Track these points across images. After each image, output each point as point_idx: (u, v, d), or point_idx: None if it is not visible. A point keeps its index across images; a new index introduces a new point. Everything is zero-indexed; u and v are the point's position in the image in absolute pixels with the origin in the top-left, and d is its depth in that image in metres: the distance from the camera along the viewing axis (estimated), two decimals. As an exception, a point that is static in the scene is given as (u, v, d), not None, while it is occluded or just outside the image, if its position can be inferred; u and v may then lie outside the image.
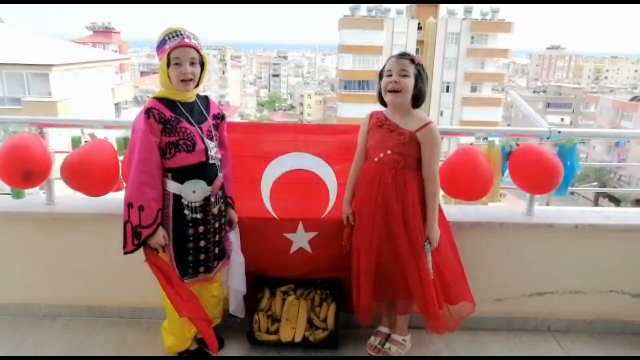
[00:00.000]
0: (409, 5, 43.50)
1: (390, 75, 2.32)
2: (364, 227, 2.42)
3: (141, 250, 2.20)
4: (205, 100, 2.38)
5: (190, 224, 2.26)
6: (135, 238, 2.14)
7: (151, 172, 2.14)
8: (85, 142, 2.70)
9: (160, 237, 2.18)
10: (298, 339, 2.57)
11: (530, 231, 2.77)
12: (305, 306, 2.67)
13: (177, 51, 2.13)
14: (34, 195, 2.95)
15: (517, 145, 2.70)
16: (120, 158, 2.66)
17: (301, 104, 74.21)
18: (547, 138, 2.73)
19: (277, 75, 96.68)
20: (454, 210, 2.85)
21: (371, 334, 2.67)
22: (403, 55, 2.34)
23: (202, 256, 2.33)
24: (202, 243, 2.31)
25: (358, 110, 34.32)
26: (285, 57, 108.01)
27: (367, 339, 2.65)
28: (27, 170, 2.58)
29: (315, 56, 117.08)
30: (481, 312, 2.83)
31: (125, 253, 2.16)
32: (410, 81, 2.30)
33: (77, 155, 2.61)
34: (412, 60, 2.32)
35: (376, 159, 2.38)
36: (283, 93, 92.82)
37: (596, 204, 26.32)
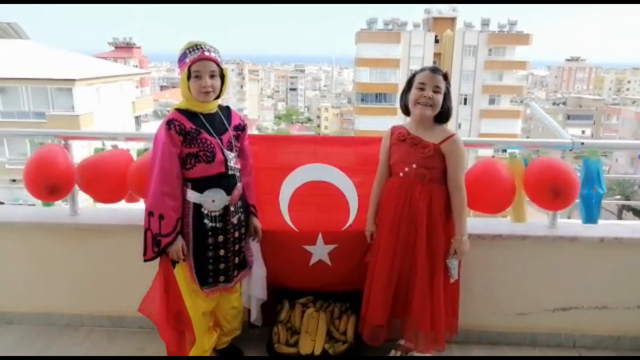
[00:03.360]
0: (425, 18, 43.57)
1: (422, 89, 2.30)
2: (385, 241, 2.40)
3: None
4: (227, 110, 2.41)
5: (210, 233, 2.28)
6: (155, 246, 2.18)
7: (171, 182, 2.17)
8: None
9: (179, 246, 2.20)
10: (317, 351, 2.55)
11: (553, 244, 2.72)
12: (325, 318, 2.65)
13: (197, 64, 2.17)
14: (58, 206, 3.01)
15: (538, 157, 2.66)
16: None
17: (318, 117, 74.59)
18: (570, 150, 2.69)
19: (294, 89, 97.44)
20: (476, 222, 2.81)
21: (391, 347, 2.63)
22: (437, 71, 2.32)
23: (222, 265, 2.34)
24: (222, 252, 2.32)
25: (375, 123, 34.37)
26: (302, 71, 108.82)
27: (387, 352, 2.62)
28: (53, 185, 2.65)
29: (333, 69, 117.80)
30: (504, 327, 2.80)
31: (145, 260, 2.20)
32: (441, 98, 2.31)
33: (93, 161, 2.68)
34: (445, 77, 2.32)
35: (401, 174, 2.37)
36: (300, 106, 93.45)
37: (620, 217, 25.72)
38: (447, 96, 2.33)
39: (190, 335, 2.44)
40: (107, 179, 2.65)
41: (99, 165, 2.66)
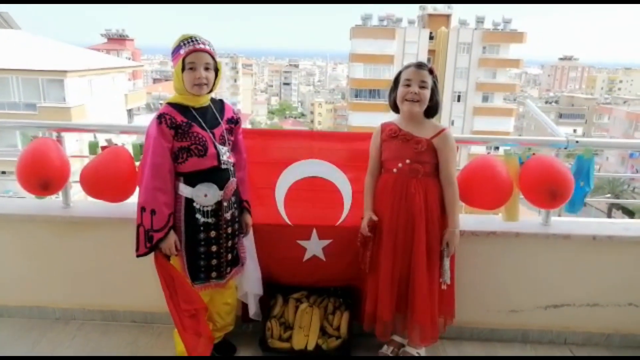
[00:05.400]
0: (420, 15, 43.57)
1: (408, 85, 2.32)
2: (385, 238, 2.39)
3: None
4: (220, 104, 2.39)
5: (202, 228, 2.26)
6: (148, 241, 2.16)
7: (163, 176, 2.16)
8: (102, 147, 2.72)
9: (172, 241, 2.19)
10: (311, 347, 2.55)
11: (546, 242, 2.74)
12: (319, 314, 2.65)
13: (192, 56, 2.15)
14: (50, 199, 2.97)
15: (534, 154, 2.67)
16: (137, 164, 2.67)
17: (312, 112, 74.51)
18: (565, 148, 2.70)
19: (288, 84, 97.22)
20: (470, 219, 2.82)
21: (382, 342, 2.64)
22: (422, 66, 2.34)
23: (214, 261, 2.33)
24: (214, 248, 2.31)
25: (369, 119, 34.34)
26: (296, 66, 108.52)
27: (380, 347, 2.62)
28: (46, 181, 2.62)
29: (327, 65, 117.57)
30: (496, 324, 2.82)
31: (137, 256, 2.19)
32: (428, 93, 2.32)
33: (95, 165, 2.63)
34: (431, 71, 2.33)
35: (395, 170, 2.37)
36: (294, 101, 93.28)
37: (609, 215, 25.98)
38: (434, 91, 2.34)
39: (207, 338, 2.40)
40: (115, 184, 2.62)
41: (103, 170, 2.61)
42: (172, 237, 2.19)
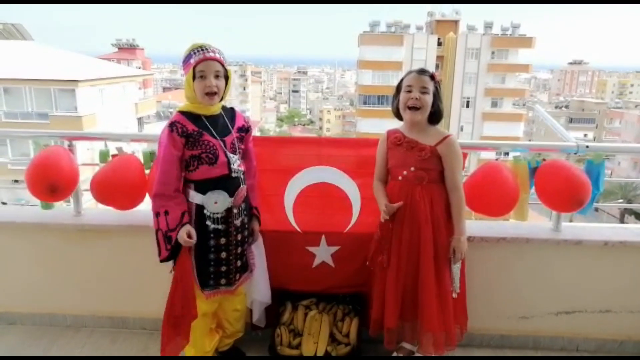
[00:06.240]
0: (428, 21, 43.62)
1: (410, 91, 2.32)
2: (391, 245, 2.38)
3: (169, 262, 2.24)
4: (231, 112, 2.41)
5: (212, 235, 2.27)
6: (167, 243, 2.19)
7: (173, 183, 2.19)
8: (113, 155, 2.76)
9: (183, 233, 2.15)
10: (320, 353, 2.55)
11: (557, 248, 2.71)
12: (328, 321, 2.65)
13: (202, 64, 2.18)
14: (62, 207, 3.01)
15: (544, 160, 2.65)
16: (147, 172, 2.70)
17: (320, 119, 74.65)
18: (575, 153, 2.68)
19: (296, 91, 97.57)
20: (479, 225, 2.81)
21: (393, 350, 2.63)
22: (423, 72, 2.34)
23: (223, 268, 2.34)
24: (224, 255, 2.32)
25: (377, 125, 34.36)
26: (305, 73, 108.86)
27: (389, 354, 2.61)
28: (53, 185, 2.64)
29: (335, 72, 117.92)
30: (506, 330, 2.80)
31: (161, 261, 2.22)
32: (429, 98, 2.32)
33: (105, 172, 2.66)
34: (432, 77, 2.33)
35: (400, 178, 2.37)
36: (302, 108, 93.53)
37: (622, 221, 25.61)
38: (436, 96, 2.34)
39: (183, 338, 2.39)
40: (125, 191, 2.65)
41: (113, 177, 2.64)
42: (184, 230, 2.16)
